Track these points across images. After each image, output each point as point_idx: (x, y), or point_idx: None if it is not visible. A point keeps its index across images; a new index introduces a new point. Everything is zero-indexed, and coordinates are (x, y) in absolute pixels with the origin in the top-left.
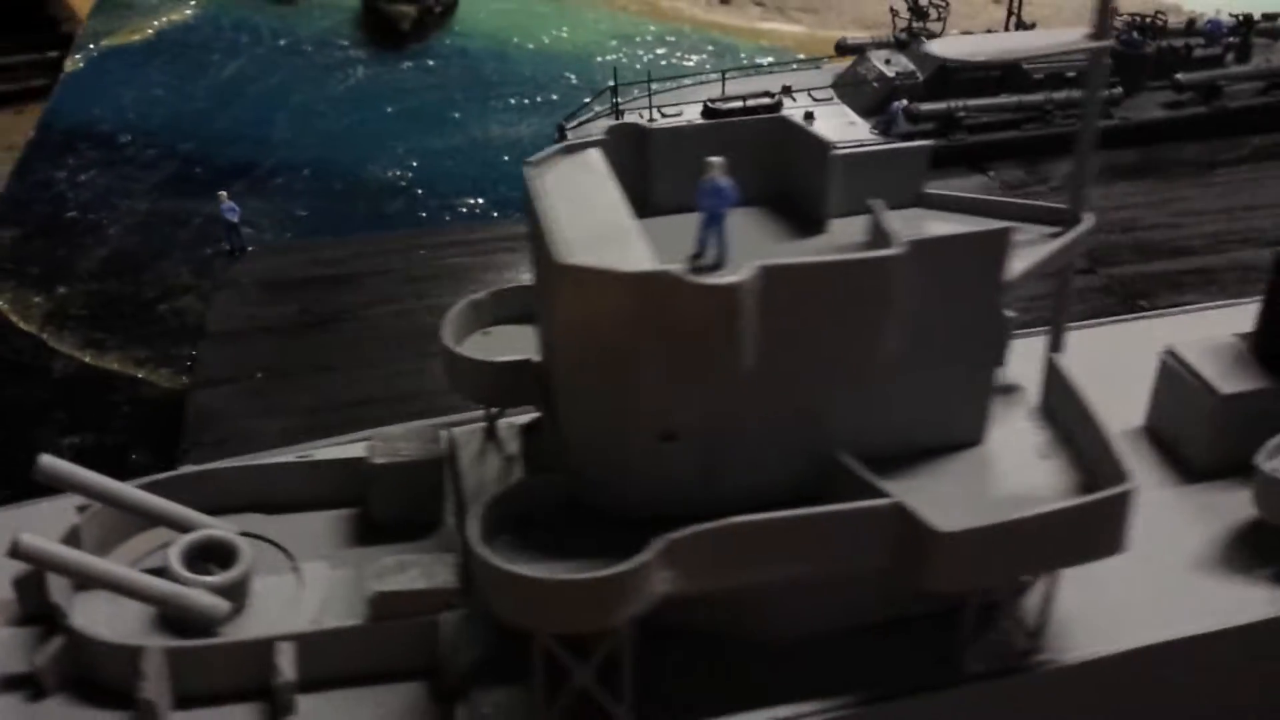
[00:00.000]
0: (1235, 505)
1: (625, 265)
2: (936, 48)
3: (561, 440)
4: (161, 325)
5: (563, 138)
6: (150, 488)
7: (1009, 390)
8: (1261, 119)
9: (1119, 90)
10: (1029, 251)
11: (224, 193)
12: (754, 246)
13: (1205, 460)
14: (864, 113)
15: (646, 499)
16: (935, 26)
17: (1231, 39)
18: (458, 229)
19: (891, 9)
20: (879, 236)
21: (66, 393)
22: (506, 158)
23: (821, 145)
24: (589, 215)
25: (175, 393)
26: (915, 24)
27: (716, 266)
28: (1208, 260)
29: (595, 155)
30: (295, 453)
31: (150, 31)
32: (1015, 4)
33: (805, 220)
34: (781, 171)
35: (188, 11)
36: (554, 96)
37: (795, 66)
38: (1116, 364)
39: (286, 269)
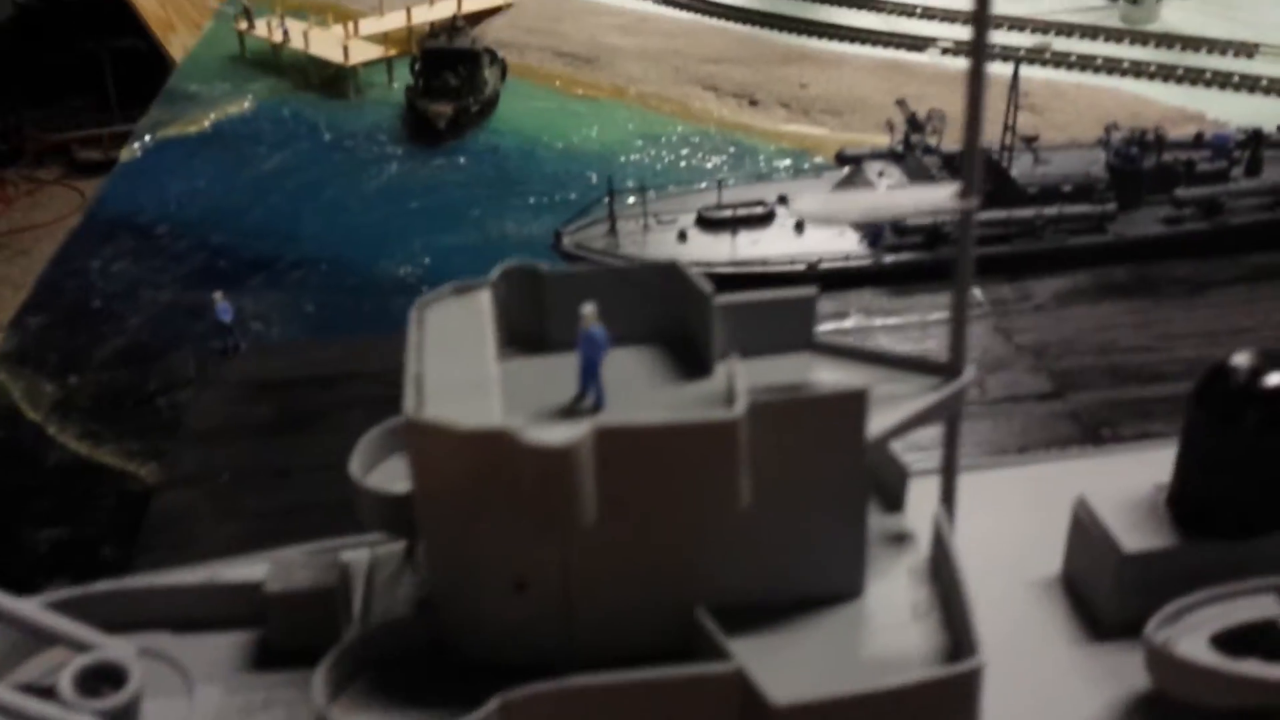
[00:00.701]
0: (1138, 670)
1: (471, 419)
2: (801, 206)
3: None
4: (158, 419)
5: (559, 243)
6: (56, 605)
7: (903, 539)
8: (1264, 236)
9: (1112, 206)
10: (904, 405)
11: (219, 293)
12: (635, 389)
13: (1113, 619)
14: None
15: (503, 647)
16: (933, 139)
17: (1238, 153)
18: None
19: (889, 121)
20: (728, 396)
21: (56, 483)
22: (514, 254)
23: (704, 295)
24: (456, 362)
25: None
26: (912, 136)
27: (597, 408)
28: (1180, 388)
29: (484, 298)
30: (237, 561)
31: (207, 123)
32: (1011, 118)
33: (694, 363)
34: (673, 315)
35: (246, 104)
36: (572, 195)
37: (795, 175)
38: (1045, 504)
39: (272, 370)
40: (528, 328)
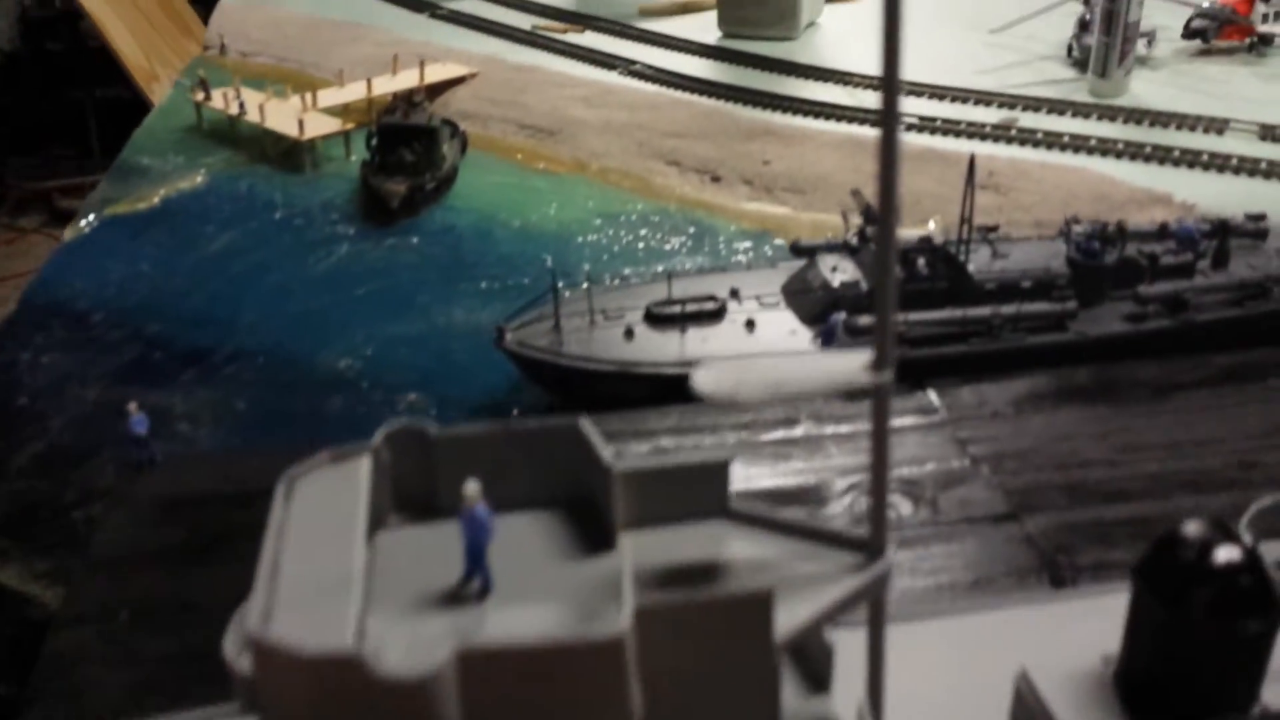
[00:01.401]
0: None
1: (322, 633)
2: (700, 381)
3: None
4: (71, 534)
5: (501, 339)
6: None
7: None
8: (1231, 334)
9: (1073, 304)
10: (821, 593)
11: (133, 404)
12: (530, 567)
13: None
14: (809, 320)
15: None
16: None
17: (1204, 244)
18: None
19: (843, 212)
20: (614, 605)
21: None
22: (460, 348)
23: (604, 466)
24: (319, 552)
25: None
26: (868, 228)
27: (484, 592)
28: (1142, 508)
29: (362, 468)
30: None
31: (156, 200)
32: (968, 209)
33: (596, 534)
34: (575, 479)
35: (199, 179)
36: (525, 280)
37: (750, 267)
38: (987, 667)
39: (186, 486)
40: (416, 492)
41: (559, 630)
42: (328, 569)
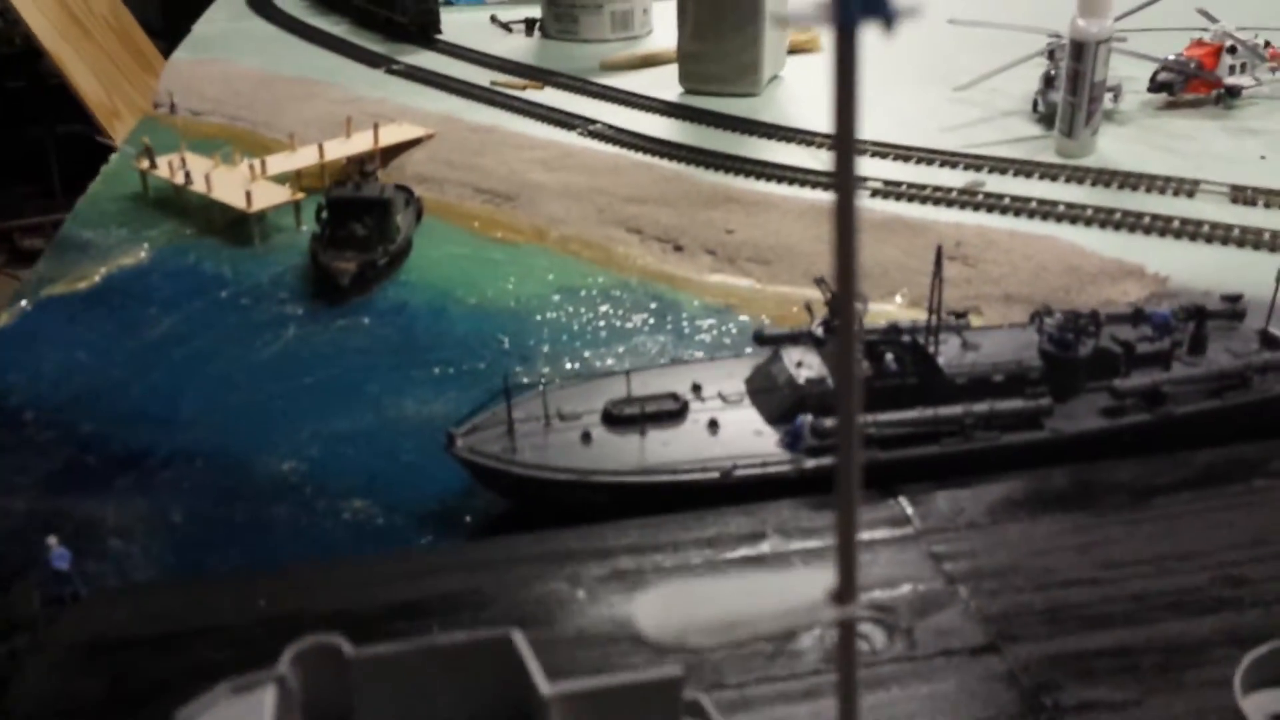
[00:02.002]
0: None
1: None
2: (643, 618)
3: None
4: None
5: (451, 445)
6: None
7: None
8: (1211, 426)
9: (1047, 401)
10: None
11: (54, 538)
12: None
13: None
14: (774, 420)
15: None
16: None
17: (1180, 331)
18: (308, 569)
19: (807, 304)
20: None
21: None
22: (410, 446)
23: (537, 692)
24: None
25: None
26: (833, 320)
27: None
28: (1126, 635)
29: (266, 700)
30: None
31: (98, 278)
32: (936, 301)
33: None
34: (508, 697)
35: (142, 254)
36: (480, 365)
37: (712, 358)
38: None
39: (110, 626)
40: (331, 711)
41: None
42: None
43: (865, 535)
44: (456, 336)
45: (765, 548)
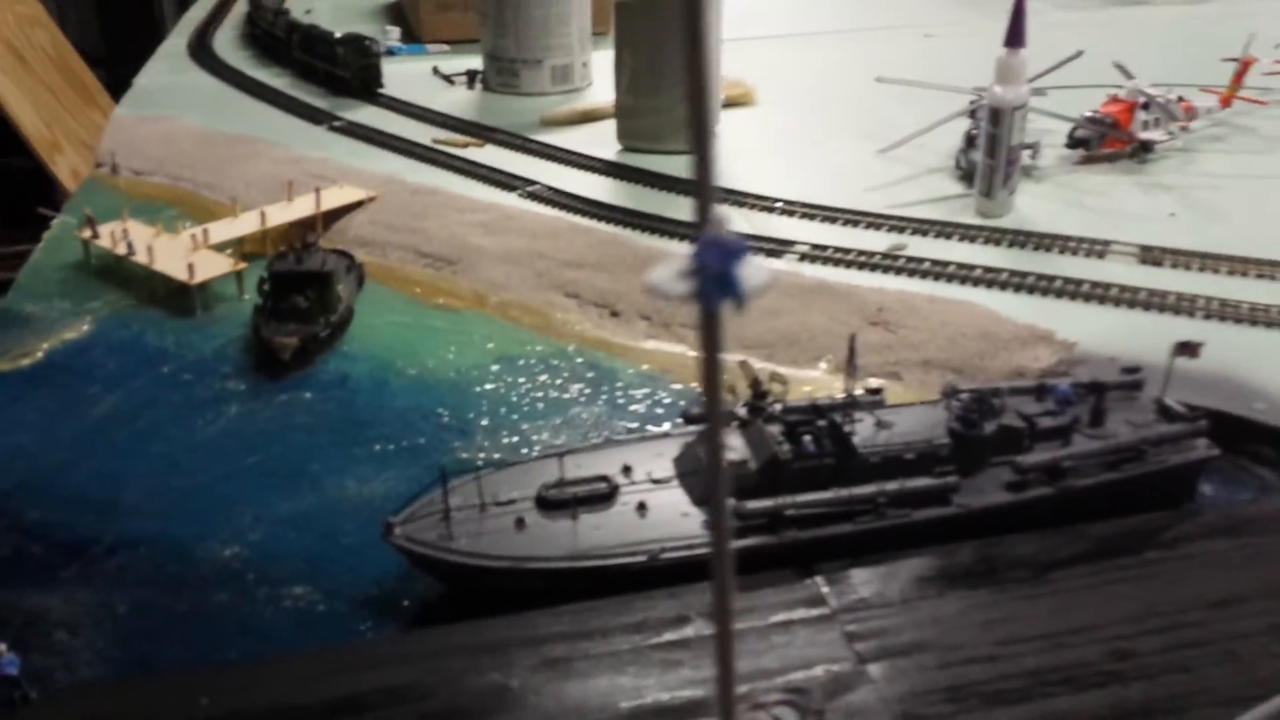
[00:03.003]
0: None
1: None
2: None
3: None
4: None
5: (389, 533)
6: None
7: None
8: (1109, 499)
9: (954, 479)
10: None
11: (3, 645)
12: None
13: None
14: (700, 502)
15: None
16: (776, 406)
17: (1080, 405)
18: (248, 667)
19: (731, 387)
20: None
21: None
22: (350, 528)
23: None
24: None
25: None
26: (757, 402)
27: None
28: (1021, 713)
29: None
30: None
31: (40, 354)
32: (850, 383)
33: None
34: None
35: (85, 327)
36: (421, 440)
37: (642, 439)
38: None
39: None
40: None
41: None
42: None
43: (783, 616)
44: (397, 410)
45: (689, 631)
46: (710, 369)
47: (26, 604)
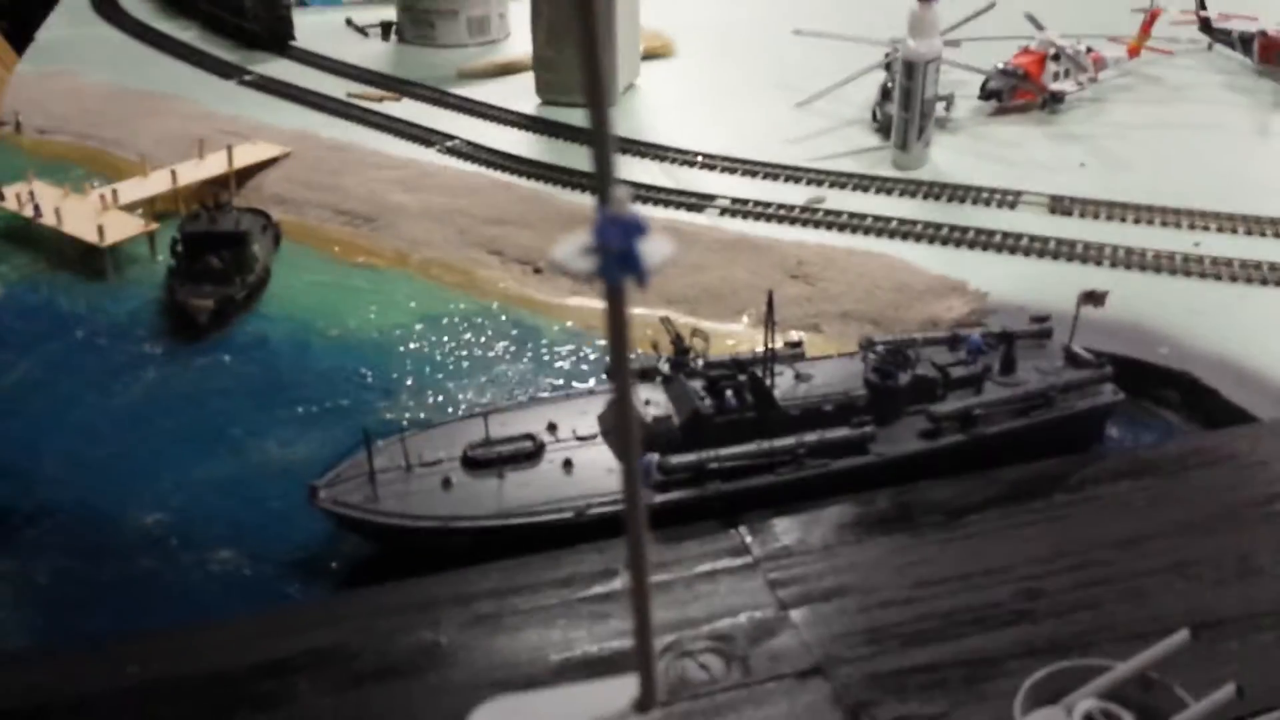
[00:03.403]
0: None
1: None
2: None
3: None
4: None
5: (314, 497)
6: None
7: None
8: (1018, 446)
9: (871, 428)
10: None
11: None
12: None
13: None
14: None
15: None
16: (698, 362)
17: (991, 354)
18: (176, 633)
19: (653, 343)
20: None
21: None
22: (275, 491)
23: None
24: None
25: None
26: (679, 358)
27: None
28: (936, 652)
29: None
30: None
31: None
32: (770, 339)
33: None
34: None
35: None
36: (344, 402)
37: (567, 396)
38: None
39: None
40: None
41: None
42: None
43: (708, 566)
44: (319, 371)
45: (617, 584)
46: (616, 344)
47: None
